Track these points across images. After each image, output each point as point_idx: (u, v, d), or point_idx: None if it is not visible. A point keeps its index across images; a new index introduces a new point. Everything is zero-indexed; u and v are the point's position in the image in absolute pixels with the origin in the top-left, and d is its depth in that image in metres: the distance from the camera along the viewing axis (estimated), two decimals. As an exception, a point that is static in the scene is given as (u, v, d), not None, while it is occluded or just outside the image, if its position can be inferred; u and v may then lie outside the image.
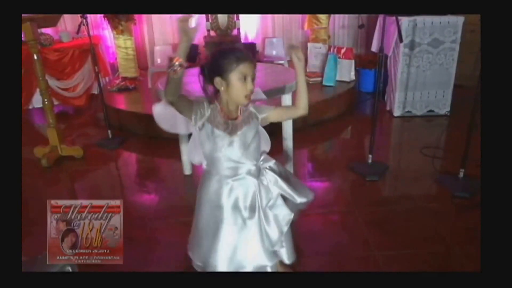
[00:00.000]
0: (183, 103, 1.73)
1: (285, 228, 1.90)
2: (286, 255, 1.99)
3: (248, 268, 1.87)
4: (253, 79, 1.76)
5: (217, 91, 1.78)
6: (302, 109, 1.88)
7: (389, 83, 5.23)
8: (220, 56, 1.73)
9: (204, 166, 1.93)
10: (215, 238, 1.86)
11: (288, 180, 1.94)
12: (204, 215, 1.92)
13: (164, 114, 1.95)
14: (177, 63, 1.55)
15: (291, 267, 2.14)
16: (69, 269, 2.15)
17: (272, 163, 1.94)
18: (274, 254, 1.93)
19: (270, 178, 1.90)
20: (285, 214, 1.90)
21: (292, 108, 2.00)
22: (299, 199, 1.92)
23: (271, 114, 1.89)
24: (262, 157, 1.94)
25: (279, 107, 1.98)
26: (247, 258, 1.87)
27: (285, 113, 2.05)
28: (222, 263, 1.85)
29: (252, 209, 1.85)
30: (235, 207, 1.85)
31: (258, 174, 1.88)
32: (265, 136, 2.04)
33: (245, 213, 1.85)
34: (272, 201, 1.89)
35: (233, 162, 1.83)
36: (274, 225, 1.89)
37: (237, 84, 1.72)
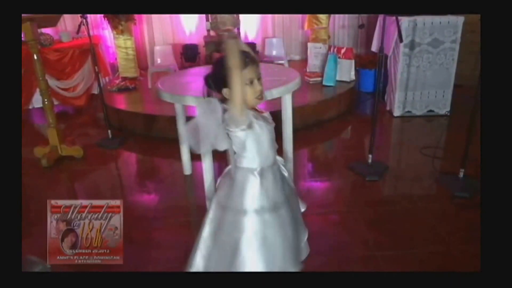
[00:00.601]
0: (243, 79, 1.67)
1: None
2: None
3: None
4: (259, 79, 1.75)
5: (226, 100, 1.73)
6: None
7: (389, 83, 5.23)
8: (223, 66, 1.65)
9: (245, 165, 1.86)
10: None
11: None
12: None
13: (193, 132, 1.85)
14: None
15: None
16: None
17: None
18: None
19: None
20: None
21: None
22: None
23: None
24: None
25: None
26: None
27: None
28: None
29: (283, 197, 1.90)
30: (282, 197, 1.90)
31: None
32: None
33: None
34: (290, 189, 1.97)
35: (274, 149, 1.89)
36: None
37: (245, 90, 1.69)
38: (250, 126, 1.74)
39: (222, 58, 1.71)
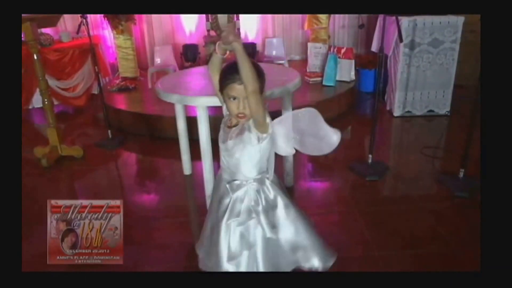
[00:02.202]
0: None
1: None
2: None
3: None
4: (245, 100, 1.67)
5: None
6: (246, 83, 1.59)
7: (389, 83, 5.23)
8: (222, 70, 1.75)
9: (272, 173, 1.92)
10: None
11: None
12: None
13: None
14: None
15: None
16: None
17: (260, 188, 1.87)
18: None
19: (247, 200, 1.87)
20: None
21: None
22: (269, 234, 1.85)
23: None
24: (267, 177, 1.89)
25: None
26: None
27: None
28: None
29: (249, 212, 1.84)
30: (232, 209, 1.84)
31: (257, 186, 1.85)
32: (270, 159, 1.92)
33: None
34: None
35: (227, 167, 1.87)
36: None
37: (228, 103, 1.74)
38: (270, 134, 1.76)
39: (227, 64, 1.73)
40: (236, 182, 1.84)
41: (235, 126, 1.80)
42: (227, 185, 1.84)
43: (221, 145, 1.84)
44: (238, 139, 1.76)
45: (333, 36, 6.99)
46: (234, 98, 1.70)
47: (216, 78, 1.77)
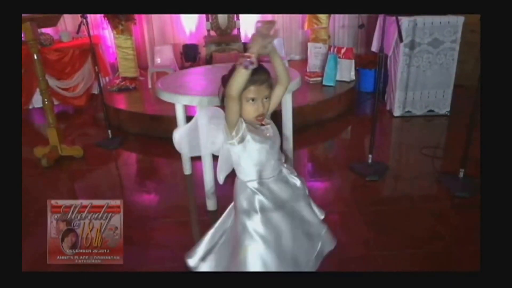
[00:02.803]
0: (238, 104, 1.66)
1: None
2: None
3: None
4: (267, 98, 1.73)
5: None
6: (286, 82, 1.82)
7: (389, 83, 5.23)
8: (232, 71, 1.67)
9: (241, 178, 1.89)
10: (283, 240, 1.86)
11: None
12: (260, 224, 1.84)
13: (186, 137, 1.93)
14: (249, 59, 1.52)
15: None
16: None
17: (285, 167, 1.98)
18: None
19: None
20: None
21: (278, 86, 1.84)
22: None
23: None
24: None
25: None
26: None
27: (277, 91, 1.85)
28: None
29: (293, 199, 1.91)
30: (282, 202, 1.88)
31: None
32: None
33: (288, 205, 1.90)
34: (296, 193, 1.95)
35: (274, 160, 1.86)
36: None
37: (245, 105, 1.70)
38: (242, 141, 1.75)
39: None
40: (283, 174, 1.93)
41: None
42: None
43: (269, 143, 1.81)
44: (272, 123, 1.86)
45: (333, 36, 6.99)
46: (253, 100, 1.69)
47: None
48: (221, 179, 1.94)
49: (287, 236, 1.84)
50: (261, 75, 1.69)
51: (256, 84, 1.67)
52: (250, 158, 1.80)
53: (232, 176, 1.93)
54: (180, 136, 1.95)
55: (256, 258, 1.79)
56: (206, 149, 1.88)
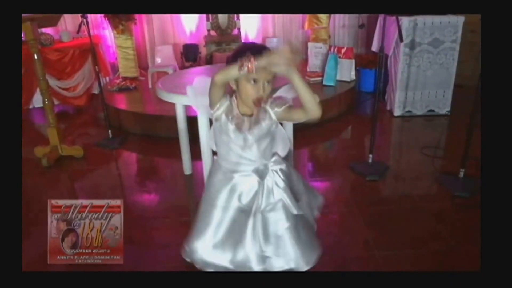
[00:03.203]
0: (222, 90, 1.70)
1: (280, 233, 1.84)
2: (294, 263, 1.89)
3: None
4: (269, 82, 1.67)
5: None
6: (310, 111, 1.67)
7: (389, 83, 5.23)
8: (240, 52, 1.63)
9: (215, 157, 1.94)
10: (209, 223, 1.87)
11: (296, 187, 1.94)
12: (205, 204, 1.92)
13: (200, 89, 1.92)
14: (249, 63, 1.51)
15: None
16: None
17: (283, 166, 1.88)
18: (263, 260, 1.86)
19: (278, 181, 1.84)
20: (282, 221, 1.84)
21: (301, 110, 1.71)
22: (296, 211, 1.85)
23: (281, 112, 1.77)
24: (274, 159, 1.88)
25: (292, 108, 1.79)
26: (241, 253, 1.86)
27: (295, 114, 1.77)
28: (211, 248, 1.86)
29: (249, 207, 1.83)
30: (236, 201, 1.84)
31: (264, 174, 1.83)
32: (283, 138, 1.97)
33: (243, 209, 1.84)
34: (271, 206, 1.83)
35: (242, 158, 1.81)
36: (271, 229, 1.85)
37: (245, 86, 1.67)
38: (216, 119, 1.77)
39: (244, 45, 1.73)
40: (261, 168, 1.85)
41: (250, 115, 1.77)
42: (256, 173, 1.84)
43: (242, 136, 1.76)
44: (262, 124, 1.77)
45: (333, 36, 6.98)
46: (255, 81, 1.65)
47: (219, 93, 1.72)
48: (215, 147, 1.96)
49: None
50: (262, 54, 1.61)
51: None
52: (221, 140, 1.82)
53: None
54: (193, 92, 1.98)
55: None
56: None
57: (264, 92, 1.68)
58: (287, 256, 1.87)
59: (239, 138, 1.76)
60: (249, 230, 1.83)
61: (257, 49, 1.60)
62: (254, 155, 1.81)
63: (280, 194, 1.83)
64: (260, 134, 1.77)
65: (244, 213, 1.84)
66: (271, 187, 1.83)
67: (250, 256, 1.83)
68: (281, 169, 1.87)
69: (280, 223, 1.84)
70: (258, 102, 1.69)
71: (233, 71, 1.57)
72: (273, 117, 1.78)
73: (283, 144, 1.98)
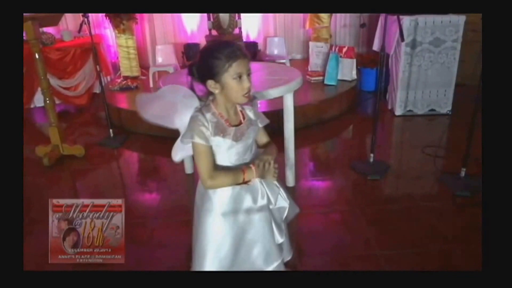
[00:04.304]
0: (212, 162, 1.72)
1: (283, 215, 1.90)
2: (285, 251, 1.96)
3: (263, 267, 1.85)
4: (249, 75, 1.65)
5: (210, 93, 1.69)
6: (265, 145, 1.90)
7: (390, 82, 5.23)
8: (210, 56, 1.61)
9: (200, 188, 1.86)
10: (227, 245, 1.79)
11: None
12: (211, 226, 1.79)
13: (150, 103, 1.92)
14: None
15: (291, 266, 2.14)
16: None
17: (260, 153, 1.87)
18: (280, 249, 1.89)
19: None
20: (283, 204, 1.88)
21: (265, 138, 1.92)
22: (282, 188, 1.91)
23: (260, 129, 1.86)
24: (254, 151, 1.85)
25: (263, 131, 1.90)
26: (260, 258, 1.84)
27: (260, 135, 1.89)
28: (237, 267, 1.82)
29: (263, 208, 1.81)
30: (247, 211, 1.79)
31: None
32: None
33: (255, 214, 1.80)
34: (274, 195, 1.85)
35: (240, 165, 1.77)
36: (277, 216, 1.88)
37: (232, 84, 1.61)
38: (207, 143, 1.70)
39: (209, 48, 1.67)
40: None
41: (238, 124, 1.74)
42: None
43: (236, 146, 1.73)
44: (252, 130, 1.78)
45: (334, 35, 6.98)
46: (240, 76, 1.61)
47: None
48: (176, 159, 1.91)
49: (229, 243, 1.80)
50: (240, 49, 1.62)
51: (240, 57, 1.60)
52: (218, 158, 1.76)
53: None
54: (142, 101, 1.97)
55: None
56: (181, 122, 1.78)
57: (249, 83, 1.65)
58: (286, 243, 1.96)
59: (235, 148, 1.73)
60: (267, 228, 1.83)
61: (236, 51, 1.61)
62: (249, 157, 1.80)
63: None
64: (251, 140, 1.79)
65: (253, 215, 1.81)
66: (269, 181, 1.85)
67: (273, 251, 1.85)
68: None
69: (282, 208, 1.89)
70: (248, 94, 1.67)
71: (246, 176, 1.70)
72: (252, 116, 1.81)
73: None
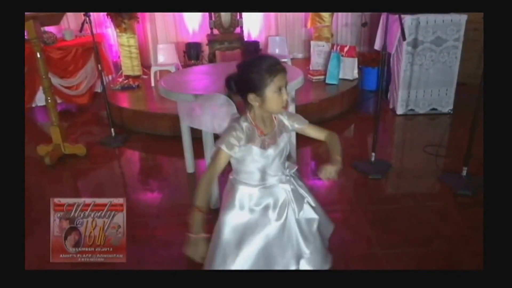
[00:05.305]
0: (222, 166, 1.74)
1: (314, 228, 1.92)
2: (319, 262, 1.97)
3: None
4: (286, 85, 1.70)
5: (247, 104, 1.72)
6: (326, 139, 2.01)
7: (392, 81, 5.23)
8: (251, 71, 1.65)
9: (231, 175, 1.90)
10: (243, 245, 1.83)
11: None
12: (230, 224, 1.87)
13: (187, 107, 1.94)
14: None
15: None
16: None
17: (294, 168, 1.93)
18: (298, 259, 1.90)
19: (298, 182, 1.91)
20: (312, 216, 1.91)
21: (321, 133, 2.04)
22: (314, 204, 1.93)
23: (305, 128, 1.92)
24: (287, 164, 1.90)
25: (312, 126, 1.98)
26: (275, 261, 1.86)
27: (313, 133, 2.00)
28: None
29: (280, 215, 1.83)
30: (264, 214, 1.82)
31: (288, 181, 1.86)
32: (291, 144, 2.00)
33: (274, 221, 1.83)
34: (301, 207, 1.88)
35: (265, 174, 1.81)
36: (305, 228, 1.90)
37: (273, 97, 1.65)
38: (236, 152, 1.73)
39: (249, 62, 1.69)
40: (283, 177, 1.86)
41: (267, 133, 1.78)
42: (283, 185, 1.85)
43: (265, 153, 1.75)
44: (284, 137, 1.83)
45: (336, 34, 6.97)
46: (280, 89, 1.65)
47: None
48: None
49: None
50: (280, 63, 1.68)
51: (281, 72, 1.65)
52: (243, 164, 1.80)
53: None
54: (184, 108, 2.00)
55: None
56: (211, 128, 1.86)
57: (287, 96, 1.70)
58: (320, 252, 1.97)
59: (264, 156, 1.76)
60: (285, 236, 1.85)
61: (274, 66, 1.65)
62: (276, 168, 1.82)
63: (304, 193, 1.91)
64: (282, 146, 1.81)
65: (277, 224, 1.84)
66: (301, 192, 1.90)
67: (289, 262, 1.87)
68: (295, 172, 1.93)
69: (312, 220, 1.91)
70: (286, 106, 1.73)
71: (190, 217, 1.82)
72: (290, 128, 1.86)
73: (291, 148, 2.00)
